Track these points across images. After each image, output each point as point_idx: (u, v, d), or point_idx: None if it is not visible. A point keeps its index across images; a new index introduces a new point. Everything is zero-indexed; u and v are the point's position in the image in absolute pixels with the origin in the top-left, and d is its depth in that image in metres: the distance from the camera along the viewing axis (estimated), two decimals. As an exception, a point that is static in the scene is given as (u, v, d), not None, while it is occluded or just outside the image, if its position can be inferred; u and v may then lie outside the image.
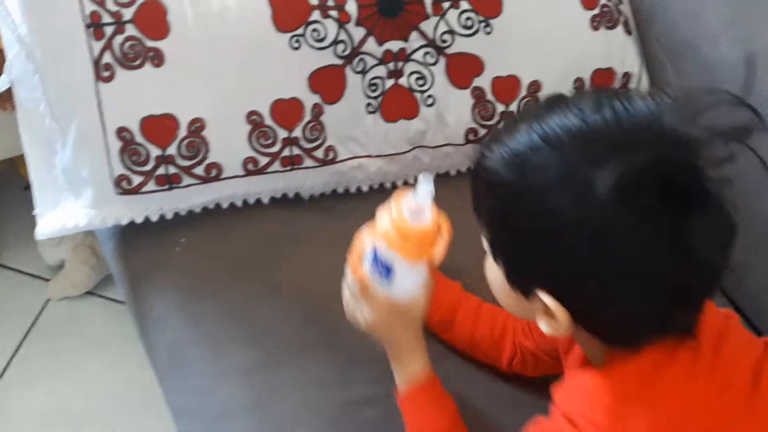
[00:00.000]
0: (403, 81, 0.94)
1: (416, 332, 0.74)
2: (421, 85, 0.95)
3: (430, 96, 0.95)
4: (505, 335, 0.82)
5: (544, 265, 0.55)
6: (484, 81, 0.97)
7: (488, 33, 0.95)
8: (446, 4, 0.93)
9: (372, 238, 0.67)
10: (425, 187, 0.63)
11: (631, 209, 0.49)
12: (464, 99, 0.97)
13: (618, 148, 0.51)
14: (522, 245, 0.57)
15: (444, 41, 0.94)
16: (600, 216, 0.50)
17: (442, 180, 0.90)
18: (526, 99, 0.98)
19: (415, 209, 0.64)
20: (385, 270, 0.66)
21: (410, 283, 0.69)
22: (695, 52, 0.98)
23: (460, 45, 0.95)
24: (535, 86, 0.98)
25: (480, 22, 0.94)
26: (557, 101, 0.56)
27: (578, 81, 1.00)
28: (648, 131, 0.52)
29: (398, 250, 0.65)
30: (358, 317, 0.73)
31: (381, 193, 1.00)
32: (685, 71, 1.00)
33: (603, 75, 1.01)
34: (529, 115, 0.56)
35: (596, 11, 1.00)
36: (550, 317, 0.57)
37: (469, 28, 0.94)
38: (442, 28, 0.94)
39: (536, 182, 0.53)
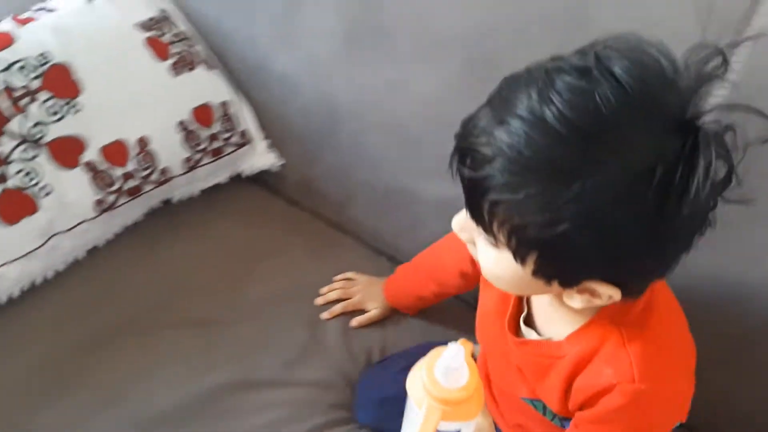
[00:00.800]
0: (10, 183, 0.96)
1: None
2: (32, 180, 0.98)
3: (43, 187, 0.98)
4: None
5: (603, 258, 0.55)
6: (91, 154, 1.02)
7: (78, 111, 1.01)
8: (24, 101, 0.97)
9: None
10: (454, 350, 0.59)
11: (679, 185, 0.51)
12: (79, 177, 1.01)
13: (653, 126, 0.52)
14: (580, 248, 0.54)
15: (37, 134, 0.98)
16: (656, 196, 0.51)
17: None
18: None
19: (452, 374, 0.60)
20: None
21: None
22: (264, 69, 1.14)
23: (55, 131, 0.99)
24: (143, 141, 1.06)
25: (65, 105, 1.00)
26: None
27: (182, 124, 1.10)
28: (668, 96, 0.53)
29: (457, 418, 0.60)
30: None
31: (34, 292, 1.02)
32: (263, 85, 1.16)
33: (202, 111, 1.12)
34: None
35: (172, 60, 1.10)
36: (587, 294, 0.59)
37: (56, 113, 0.99)
38: (30, 122, 0.97)
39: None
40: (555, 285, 0.60)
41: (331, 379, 0.99)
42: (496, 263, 0.61)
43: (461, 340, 0.61)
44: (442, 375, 0.59)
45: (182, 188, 1.14)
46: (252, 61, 1.16)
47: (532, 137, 0.52)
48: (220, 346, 0.99)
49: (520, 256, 0.58)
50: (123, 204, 1.06)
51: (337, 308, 1.06)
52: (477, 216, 0.58)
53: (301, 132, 1.17)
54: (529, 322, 0.74)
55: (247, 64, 1.17)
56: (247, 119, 1.18)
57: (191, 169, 1.12)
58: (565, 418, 0.74)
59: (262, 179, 1.24)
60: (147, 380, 0.94)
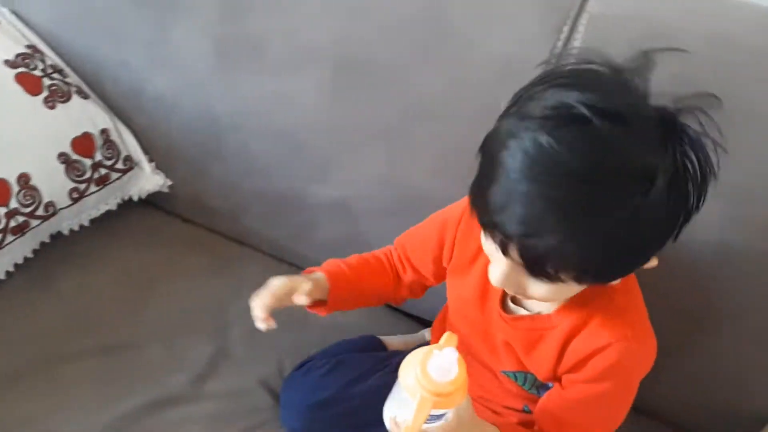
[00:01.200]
0: None
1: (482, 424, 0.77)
2: None
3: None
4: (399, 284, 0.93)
5: (633, 262, 0.65)
6: (-29, 197, 1.01)
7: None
8: None
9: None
10: (448, 353, 0.64)
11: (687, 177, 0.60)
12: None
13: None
14: (623, 258, 0.63)
15: None
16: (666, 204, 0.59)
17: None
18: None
19: (444, 369, 0.64)
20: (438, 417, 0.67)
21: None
22: (141, 93, 1.16)
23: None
24: (24, 178, 1.05)
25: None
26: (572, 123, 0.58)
27: (62, 156, 1.09)
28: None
29: (445, 406, 0.65)
30: None
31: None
32: (141, 108, 1.18)
33: (82, 141, 1.12)
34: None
35: (45, 93, 1.10)
36: None
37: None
38: None
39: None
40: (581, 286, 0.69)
41: (245, 387, 1.01)
42: (556, 292, 0.68)
43: (448, 333, 0.66)
44: (434, 371, 0.64)
45: (71, 219, 1.14)
46: (127, 85, 1.17)
47: (568, 204, 0.58)
48: (129, 370, 1.00)
49: (579, 282, 0.65)
50: (10, 243, 1.04)
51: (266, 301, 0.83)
52: (540, 275, 0.63)
53: (186, 150, 1.19)
54: (516, 301, 0.81)
55: (123, 90, 1.17)
56: (129, 144, 1.18)
57: (78, 199, 1.12)
58: (543, 386, 0.83)
59: (153, 201, 1.25)
60: (59, 415, 0.94)
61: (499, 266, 0.67)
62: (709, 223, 0.76)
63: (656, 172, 0.58)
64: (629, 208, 0.58)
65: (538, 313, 0.78)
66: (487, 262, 0.71)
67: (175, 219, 1.26)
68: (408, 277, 0.93)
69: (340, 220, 1.14)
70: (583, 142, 0.57)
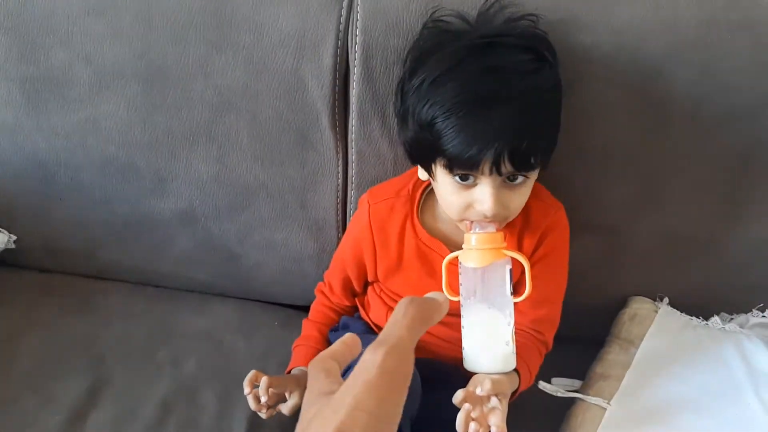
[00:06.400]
0: None
1: None
2: None
3: None
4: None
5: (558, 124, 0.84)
6: None
7: None
8: None
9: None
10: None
11: None
12: None
13: None
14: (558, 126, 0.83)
15: None
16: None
17: None
18: None
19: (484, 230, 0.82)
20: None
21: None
22: None
23: None
24: None
25: None
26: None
27: None
28: None
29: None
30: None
31: None
32: None
33: None
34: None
35: None
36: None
37: None
38: None
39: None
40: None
41: (131, 408, 1.02)
42: (526, 194, 0.83)
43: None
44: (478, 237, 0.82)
45: None
46: None
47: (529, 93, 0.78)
48: (3, 422, 0.99)
49: (544, 166, 0.83)
50: None
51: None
52: (527, 168, 0.79)
53: (23, 199, 1.17)
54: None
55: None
56: (-41, 207, 1.16)
57: None
58: None
59: (4, 260, 1.22)
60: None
61: (486, 193, 0.79)
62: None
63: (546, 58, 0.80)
64: (551, 80, 0.80)
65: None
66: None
67: (30, 272, 1.24)
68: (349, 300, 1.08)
69: (190, 229, 1.16)
70: (512, 53, 0.78)
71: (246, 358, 1.13)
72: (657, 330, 1.03)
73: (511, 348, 0.81)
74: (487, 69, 0.76)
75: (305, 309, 1.16)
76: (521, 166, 0.78)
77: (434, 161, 0.82)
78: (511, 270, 0.83)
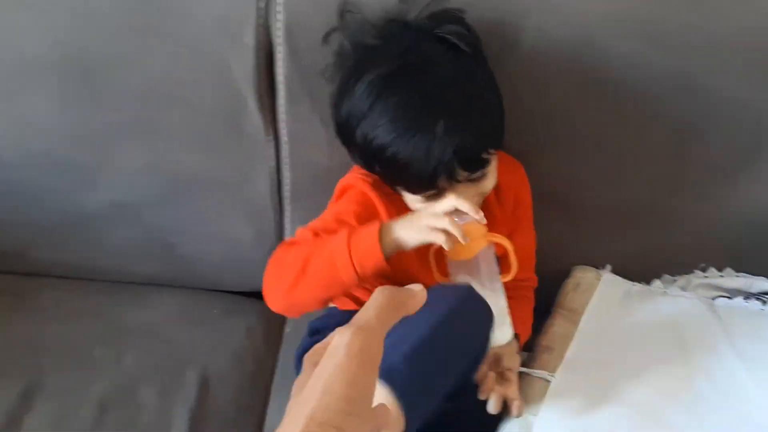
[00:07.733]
0: None
1: None
2: None
3: None
4: None
5: (502, 108, 0.88)
6: None
7: None
8: None
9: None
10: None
11: None
12: None
13: None
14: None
15: None
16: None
17: None
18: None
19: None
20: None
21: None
22: None
23: None
24: None
25: None
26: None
27: None
28: None
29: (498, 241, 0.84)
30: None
31: None
32: None
33: None
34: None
35: None
36: None
37: None
38: None
39: None
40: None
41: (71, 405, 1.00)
42: (495, 169, 0.86)
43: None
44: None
45: None
46: None
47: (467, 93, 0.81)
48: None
49: (498, 147, 0.85)
50: None
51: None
52: (482, 166, 0.82)
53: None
54: None
55: None
56: None
57: None
58: None
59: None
60: None
61: (453, 200, 0.80)
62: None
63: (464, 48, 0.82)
64: (485, 76, 0.84)
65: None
66: None
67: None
68: None
69: (124, 221, 1.12)
70: (431, 62, 0.80)
71: (191, 349, 1.10)
72: (599, 298, 1.02)
73: (508, 320, 0.88)
74: (412, 90, 0.78)
75: (253, 294, 1.14)
76: (476, 167, 0.82)
77: (393, 186, 0.87)
78: (494, 251, 0.86)
